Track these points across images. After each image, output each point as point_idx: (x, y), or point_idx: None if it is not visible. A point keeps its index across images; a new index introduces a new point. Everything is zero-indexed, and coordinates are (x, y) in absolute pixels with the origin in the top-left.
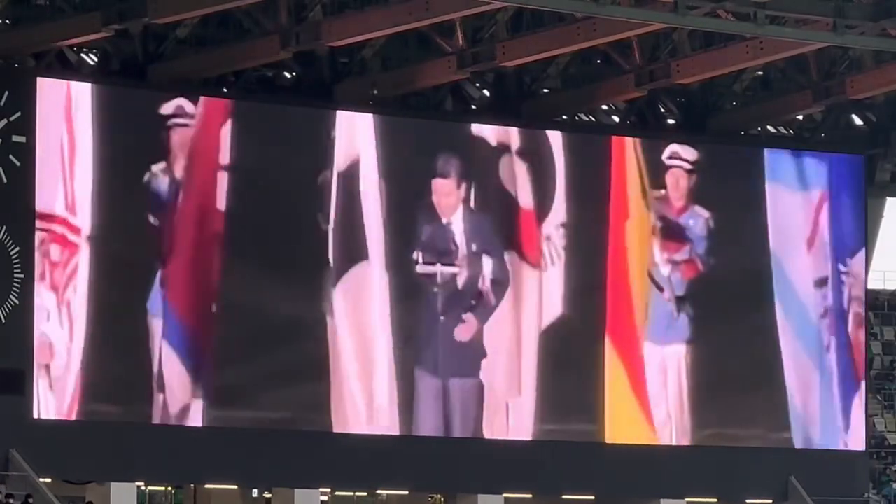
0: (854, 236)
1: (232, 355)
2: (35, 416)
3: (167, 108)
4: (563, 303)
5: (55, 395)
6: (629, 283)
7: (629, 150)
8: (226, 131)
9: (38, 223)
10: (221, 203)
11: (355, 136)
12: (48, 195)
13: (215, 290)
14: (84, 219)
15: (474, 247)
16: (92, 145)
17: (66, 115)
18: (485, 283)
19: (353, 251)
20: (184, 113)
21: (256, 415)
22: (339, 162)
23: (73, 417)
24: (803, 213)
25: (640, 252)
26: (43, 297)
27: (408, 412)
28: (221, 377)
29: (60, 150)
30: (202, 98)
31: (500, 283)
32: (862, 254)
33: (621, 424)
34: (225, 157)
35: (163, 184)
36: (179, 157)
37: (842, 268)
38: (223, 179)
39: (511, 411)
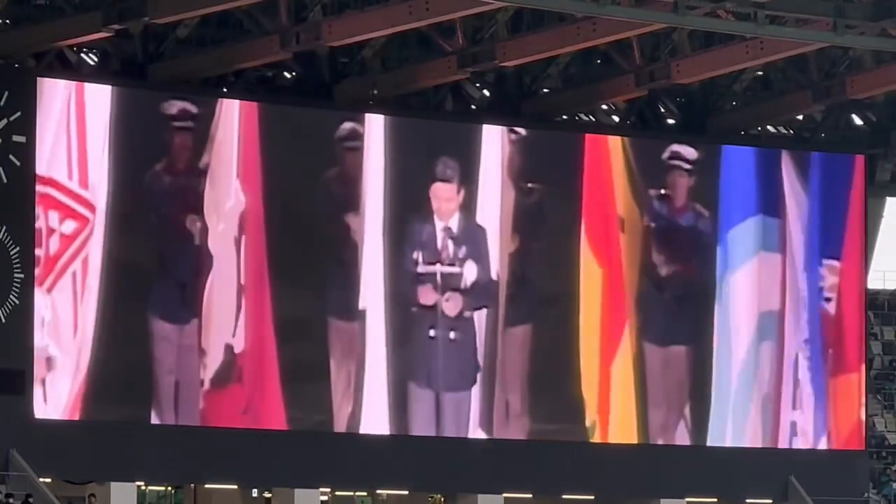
0: (853, 236)
1: (233, 355)
2: (35, 416)
3: (171, 109)
4: (538, 309)
5: (55, 396)
6: (609, 285)
7: (616, 151)
8: (228, 132)
9: (40, 220)
10: (229, 204)
11: (357, 135)
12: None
13: (218, 291)
14: (85, 221)
15: (464, 251)
16: (91, 144)
17: (66, 114)
18: (472, 285)
19: (354, 250)
20: (188, 115)
21: (257, 415)
22: (341, 162)
23: (73, 417)
24: (802, 213)
25: (630, 254)
26: (44, 296)
27: (406, 412)
28: (222, 377)
29: (67, 148)
30: (208, 99)
31: (488, 287)
32: (862, 253)
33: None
34: (225, 157)
35: (165, 184)
36: (182, 158)
37: (840, 268)
38: (222, 178)
39: (507, 412)
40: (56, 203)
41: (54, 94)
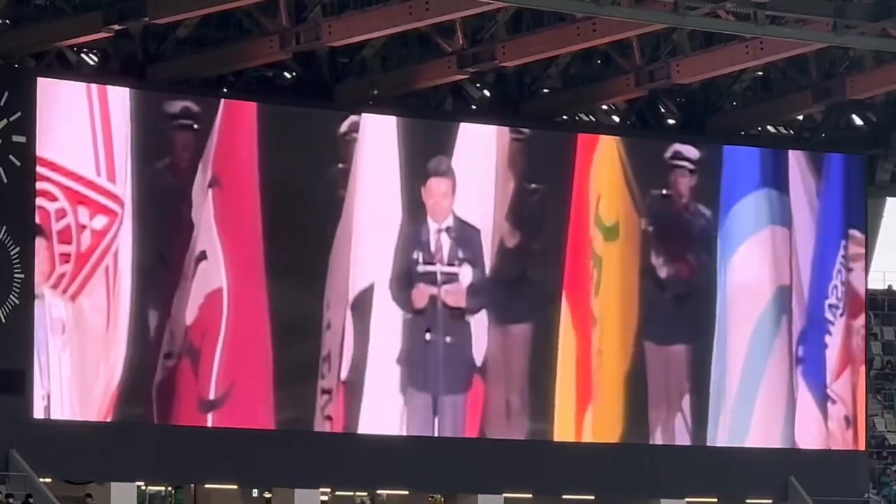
0: (853, 236)
1: (234, 355)
2: (35, 416)
3: (172, 109)
4: (536, 308)
5: (56, 396)
6: (598, 285)
7: (612, 151)
8: (227, 132)
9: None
10: (228, 204)
11: (357, 135)
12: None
13: (219, 291)
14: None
15: (461, 251)
16: (93, 143)
17: (65, 114)
18: (469, 285)
19: (352, 251)
20: (189, 113)
21: (257, 415)
22: (340, 162)
23: (74, 417)
24: (802, 215)
25: (623, 255)
26: (44, 296)
27: (405, 415)
28: (223, 377)
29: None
30: (208, 99)
31: (486, 286)
32: (861, 254)
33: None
34: (224, 157)
35: (165, 184)
36: (183, 157)
37: (840, 268)
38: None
39: (507, 412)
40: (86, 199)
41: (54, 94)
